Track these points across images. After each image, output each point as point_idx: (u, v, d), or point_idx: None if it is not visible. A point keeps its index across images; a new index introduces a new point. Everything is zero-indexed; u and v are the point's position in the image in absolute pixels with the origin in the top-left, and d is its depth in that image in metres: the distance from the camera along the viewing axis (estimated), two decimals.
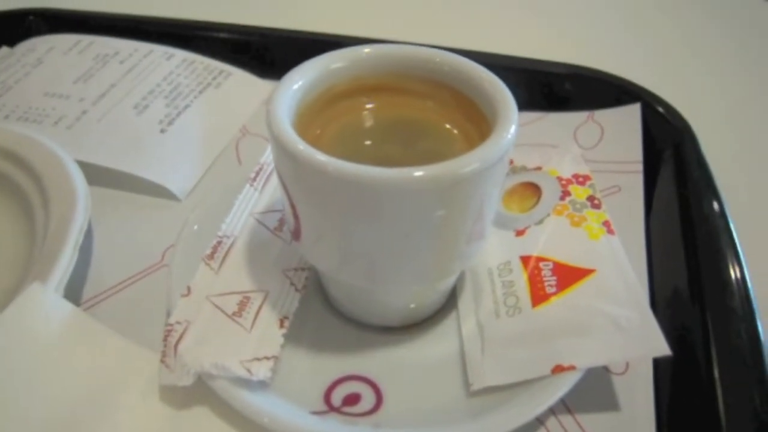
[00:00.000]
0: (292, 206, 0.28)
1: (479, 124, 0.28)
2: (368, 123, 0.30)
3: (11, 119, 0.46)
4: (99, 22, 0.58)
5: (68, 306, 0.31)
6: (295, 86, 0.29)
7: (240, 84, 0.51)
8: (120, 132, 0.45)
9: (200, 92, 0.49)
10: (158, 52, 0.52)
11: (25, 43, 0.55)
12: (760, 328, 0.32)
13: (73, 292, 0.35)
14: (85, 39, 0.54)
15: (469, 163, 0.24)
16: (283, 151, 0.25)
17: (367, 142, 0.30)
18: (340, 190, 0.25)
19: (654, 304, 0.34)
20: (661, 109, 0.46)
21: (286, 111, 0.27)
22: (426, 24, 0.65)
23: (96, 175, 0.40)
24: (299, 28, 0.56)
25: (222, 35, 0.57)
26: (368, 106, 0.31)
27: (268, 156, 0.39)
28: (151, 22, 0.58)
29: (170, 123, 0.46)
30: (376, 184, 0.24)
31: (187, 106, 0.48)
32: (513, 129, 0.26)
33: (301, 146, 0.25)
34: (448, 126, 0.30)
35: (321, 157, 0.24)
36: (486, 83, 0.28)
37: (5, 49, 0.57)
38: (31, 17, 0.59)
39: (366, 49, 0.30)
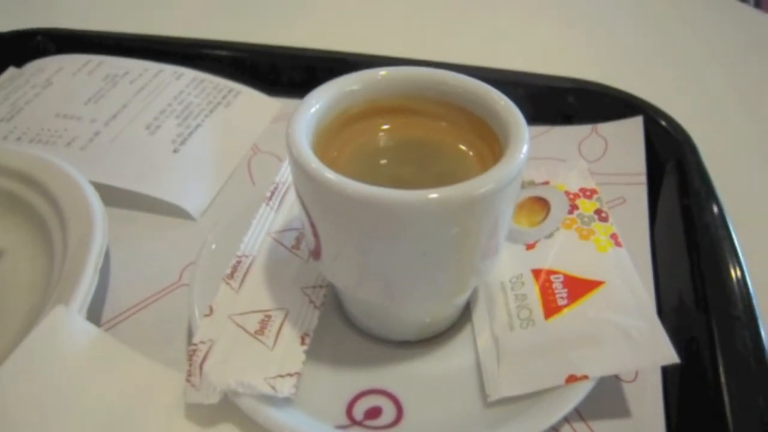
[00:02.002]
0: (312, 226, 0.29)
1: (492, 144, 0.29)
2: (383, 144, 0.31)
3: (24, 141, 0.47)
4: (107, 41, 0.59)
5: (92, 328, 0.32)
6: (312, 110, 0.29)
7: (249, 102, 0.52)
8: (133, 152, 0.46)
9: (211, 111, 0.50)
10: (168, 71, 0.53)
11: (33, 63, 0.55)
12: (763, 335, 0.33)
13: (94, 313, 0.35)
14: (94, 59, 0.55)
15: (484, 184, 0.25)
16: (303, 174, 0.26)
17: (383, 162, 0.30)
18: (359, 211, 0.26)
19: (660, 313, 0.34)
20: (663, 122, 0.47)
21: (305, 134, 0.28)
22: (431, 40, 0.66)
23: (110, 195, 0.40)
24: (306, 45, 0.57)
25: (230, 53, 0.58)
26: (383, 127, 0.32)
27: (282, 175, 0.39)
28: (159, 41, 0.59)
29: (182, 143, 0.47)
30: (393, 206, 0.25)
31: (198, 126, 0.48)
32: (525, 149, 0.27)
33: (321, 169, 0.26)
34: (461, 146, 0.31)
35: (340, 179, 0.25)
36: (498, 104, 0.29)
37: (13, 70, 0.57)
38: (39, 37, 0.60)
39: (381, 72, 0.31)
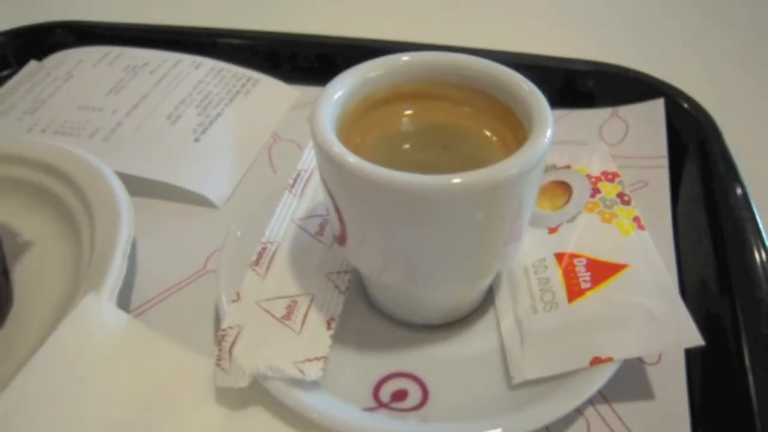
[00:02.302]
0: (337, 211, 0.29)
1: (515, 129, 0.29)
2: (406, 129, 0.31)
3: (48, 133, 0.47)
4: (126, 33, 0.59)
5: (123, 315, 0.33)
6: (336, 96, 0.30)
7: (268, 90, 0.52)
8: (155, 142, 0.46)
9: (230, 100, 0.50)
10: (186, 61, 0.53)
11: (53, 56, 0.56)
12: None
13: (122, 301, 0.36)
14: (114, 51, 0.55)
15: (508, 168, 0.25)
16: (328, 161, 0.27)
17: (406, 147, 0.31)
18: (384, 196, 0.26)
19: (683, 296, 0.34)
20: (684, 104, 0.46)
21: (329, 121, 0.28)
22: (448, 24, 0.66)
23: (134, 185, 0.40)
24: (323, 33, 0.57)
25: (247, 42, 0.58)
26: (406, 112, 0.32)
27: (304, 162, 0.40)
28: (177, 32, 0.59)
29: (203, 132, 0.47)
30: (417, 191, 0.25)
31: (218, 115, 0.49)
32: (549, 133, 0.27)
33: (346, 155, 0.26)
34: (484, 131, 0.31)
35: (364, 164, 0.25)
36: (521, 89, 0.29)
37: (34, 63, 0.57)
38: (58, 30, 0.60)
39: (403, 57, 0.31)
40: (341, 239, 0.31)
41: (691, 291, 0.37)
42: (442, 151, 0.30)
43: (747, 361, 0.32)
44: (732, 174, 0.41)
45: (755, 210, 0.38)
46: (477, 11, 0.69)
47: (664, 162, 0.43)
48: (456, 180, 0.25)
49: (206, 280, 0.38)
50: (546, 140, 0.26)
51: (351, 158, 0.26)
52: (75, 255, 0.38)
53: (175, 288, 0.38)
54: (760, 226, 0.37)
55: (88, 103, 0.50)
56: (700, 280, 0.37)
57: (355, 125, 0.31)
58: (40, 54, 0.57)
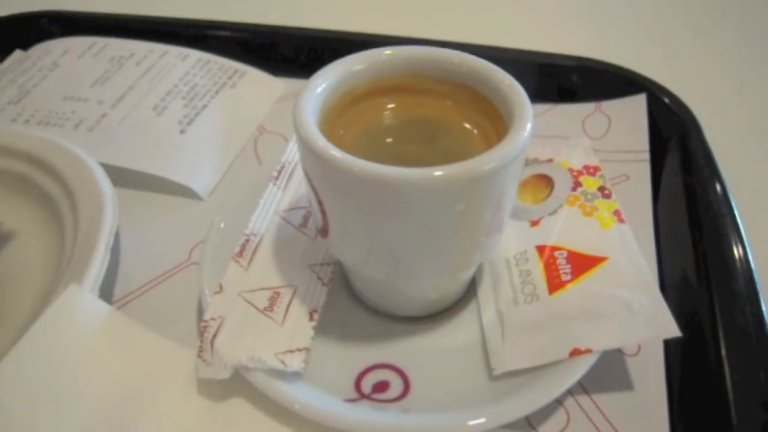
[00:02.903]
0: (320, 203, 0.29)
1: (495, 123, 0.30)
2: (389, 122, 0.31)
3: (32, 123, 0.47)
4: (112, 23, 0.59)
5: (105, 306, 0.33)
6: (319, 89, 0.30)
7: (254, 83, 0.52)
8: (141, 133, 0.46)
9: (216, 92, 0.50)
10: (173, 52, 0.53)
11: (39, 46, 0.56)
12: (764, 309, 0.33)
13: (105, 292, 0.36)
14: (100, 41, 0.55)
15: (488, 162, 0.25)
16: (310, 153, 0.27)
17: (389, 140, 0.31)
18: (366, 189, 0.26)
19: (663, 288, 0.35)
20: (666, 100, 0.47)
21: (312, 113, 0.28)
22: (433, 18, 0.66)
23: (118, 176, 0.40)
24: (308, 25, 0.57)
25: (234, 34, 0.58)
26: (389, 106, 0.32)
27: (288, 155, 0.40)
28: (163, 23, 0.59)
29: (189, 123, 0.47)
30: (399, 183, 0.25)
31: (204, 106, 0.49)
32: (529, 127, 0.27)
33: (328, 148, 0.26)
34: (465, 124, 0.31)
35: (347, 157, 0.26)
36: (502, 83, 0.29)
37: (19, 53, 0.57)
38: (44, 20, 0.60)
39: (386, 51, 0.31)
40: (324, 231, 0.31)
41: (670, 283, 0.37)
42: (425, 144, 0.30)
43: (723, 352, 0.32)
44: (711, 169, 0.41)
45: (733, 205, 0.39)
46: (461, 5, 0.69)
47: (646, 156, 0.43)
48: (437, 173, 0.25)
49: (190, 271, 0.38)
50: (526, 134, 0.27)
51: (333, 151, 0.26)
52: (58, 246, 0.38)
53: (159, 280, 0.38)
54: (738, 220, 0.38)
55: (73, 94, 0.49)
56: (679, 272, 0.37)
57: (337, 118, 0.31)
58: (26, 44, 0.57)
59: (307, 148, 0.27)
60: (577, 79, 0.51)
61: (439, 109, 0.31)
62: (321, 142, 0.26)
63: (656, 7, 0.69)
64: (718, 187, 0.40)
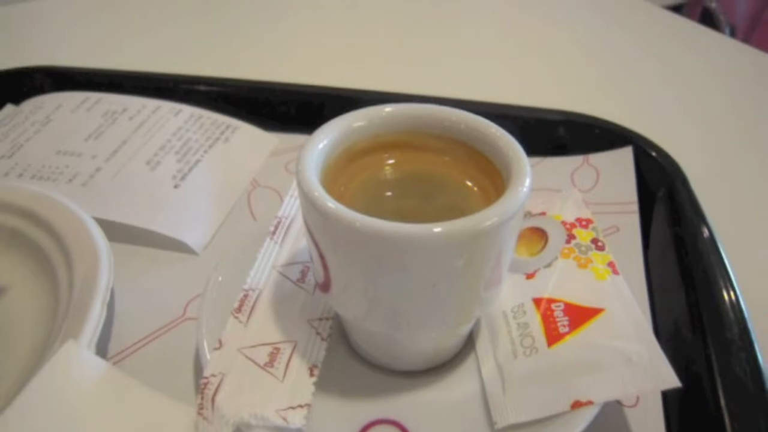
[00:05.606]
0: (321, 258, 0.29)
1: (494, 178, 0.30)
2: (389, 178, 0.32)
3: (25, 177, 0.47)
4: (105, 78, 0.59)
5: (102, 363, 0.32)
6: (321, 145, 0.30)
7: (247, 138, 0.53)
8: (134, 188, 0.46)
9: (210, 147, 0.51)
10: (166, 107, 0.54)
11: (31, 100, 0.56)
12: (759, 357, 0.33)
13: (100, 348, 0.35)
14: (93, 96, 0.55)
15: (488, 218, 0.26)
16: (313, 209, 0.27)
17: (388, 195, 0.31)
18: (368, 244, 0.26)
19: (658, 338, 0.35)
20: (652, 152, 0.48)
21: (314, 169, 0.29)
22: (423, 74, 0.68)
23: (112, 230, 0.40)
24: (300, 81, 0.58)
25: (227, 90, 0.59)
26: (389, 162, 0.32)
27: (284, 209, 0.40)
28: (157, 78, 0.59)
29: (183, 178, 0.47)
30: (400, 239, 0.25)
31: (198, 161, 0.49)
32: (527, 183, 0.27)
33: (331, 204, 0.26)
34: (464, 180, 0.31)
35: (349, 213, 0.26)
36: (499, 140, 0.30)
37: (10, 107, 0.57)
38: (37, 75, 0.60)
39: (386, 109, 0.32)
40: (325, 286, 0.31)
41: (665, 333, 0.37)
42: (424, 199, 0.31)
43: (722, 401, 0.32)
44: (699, 218, 0.42)
45: (722, 252, 0.39)
46: (450, 61, 0.72)
47: (635, 207, 0.44)
48: (437, 229, 0.25)
49: (186, 327, 0.38)
50: (525, 189, 0.27)
51: (335, 207, 0.26)
52: (51, 301, 0.37)
53: (154, 335, 0.38)
54: (728, 268, 0.38)
55: (66, 148, 0.50)
56: (673, 322, 0.38)
57: (338, 174, 0.31)
58: (18, 98, 0.57)
59: (309, 204, 0.27)
60: (565, 133, 0.52)
61: (438, 164, 0.32)
62: (323, 197, 0.27)
63: (640, 62, 0.72)
64: (706, 235, 0.40)
